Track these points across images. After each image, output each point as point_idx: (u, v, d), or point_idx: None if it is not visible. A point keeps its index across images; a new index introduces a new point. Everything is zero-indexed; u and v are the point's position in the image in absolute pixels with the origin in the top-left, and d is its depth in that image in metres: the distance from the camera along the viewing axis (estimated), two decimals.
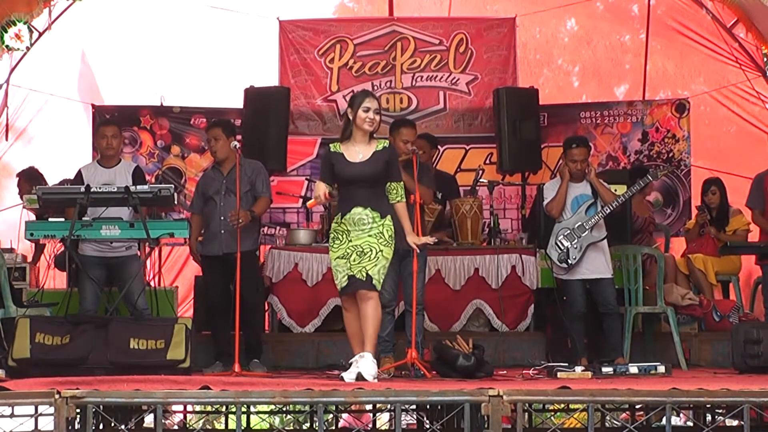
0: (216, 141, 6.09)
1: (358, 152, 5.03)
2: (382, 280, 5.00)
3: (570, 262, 6.09)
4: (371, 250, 4.97)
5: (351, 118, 5.05)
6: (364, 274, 4.94)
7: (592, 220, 6.11)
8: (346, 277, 4.97)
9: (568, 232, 6.13)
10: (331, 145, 5.17)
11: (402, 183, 5.14)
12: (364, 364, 4.88)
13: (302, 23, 8.59)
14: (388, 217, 5.04)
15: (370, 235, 4.99)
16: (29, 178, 7.12)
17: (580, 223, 6.13)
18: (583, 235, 6.11)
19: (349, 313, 5.07)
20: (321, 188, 5.07)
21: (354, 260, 4.96)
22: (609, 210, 6.12)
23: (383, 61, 8.57)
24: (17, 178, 7.25)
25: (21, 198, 7.02)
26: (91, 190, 5.44)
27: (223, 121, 6.55)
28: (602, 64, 9.04)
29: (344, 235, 5.02)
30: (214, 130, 6.14)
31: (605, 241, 6.14)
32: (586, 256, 6.09)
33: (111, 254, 5.92)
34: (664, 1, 8.59)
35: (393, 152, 5.16)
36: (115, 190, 5.52)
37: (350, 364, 4.96)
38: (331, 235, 5.08)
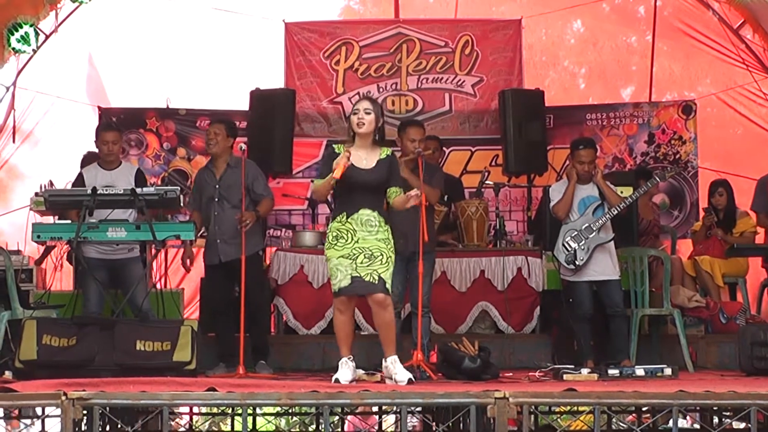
0: (216, 135, 6.05)
1: (362, 158, 5.01)
2: (391, 286, 4.97)
3: (577, 263, 6.07)
4: (381, 255, 4.92)
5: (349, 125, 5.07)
6: (376, 278, 4.88)
7: (600, 221, 6.09)
8: (348, 277, 4.90)
9: (576, 233, 6.11)
10: (335, 146, 5.11)
11: (400, 188, 5.11)
12: (400, 369, 4.88)
13: (308, 25, 8.60)
14: (389, 223, 5.04)
15: (378, 239, 4.94)
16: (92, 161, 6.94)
17: (587, 224, 6.11)
18: (591, 236, 6.09)
19: (343, 316, 4.99)
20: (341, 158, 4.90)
21: (362, 262, 4.90)
22: (616, 212, 6.11)
23: (389, 63, 8.58)
24: (81, 163, 6.86)
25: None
26: (98, 192, 5.45)
27: (228, 120, 6.52)
28: (608, 66, 9.03)
29: (350, 235, 4.94)
30: (216, 126, 6.13)
31: (612, 242, 6.13)
32: (594, 257, 6.08)
33: (114, 256, 5.93)
34: (670, 2, 8.58)
35: (395, 160, 5.15)
36: (122, 192, 5.53)
37: (341, 366, 4.93)
38: (333, 234, 4.97)
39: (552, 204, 6.22)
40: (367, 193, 4.99)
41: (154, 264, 6.40)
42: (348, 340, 5.00)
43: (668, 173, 6.49)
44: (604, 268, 6.09)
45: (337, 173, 4.86)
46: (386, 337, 4.96)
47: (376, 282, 4.88)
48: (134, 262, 5.96)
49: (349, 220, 4.97)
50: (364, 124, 4.98)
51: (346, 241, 4.94)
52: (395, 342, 5.01)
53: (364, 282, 4.89)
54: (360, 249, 4.92)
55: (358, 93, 8.48)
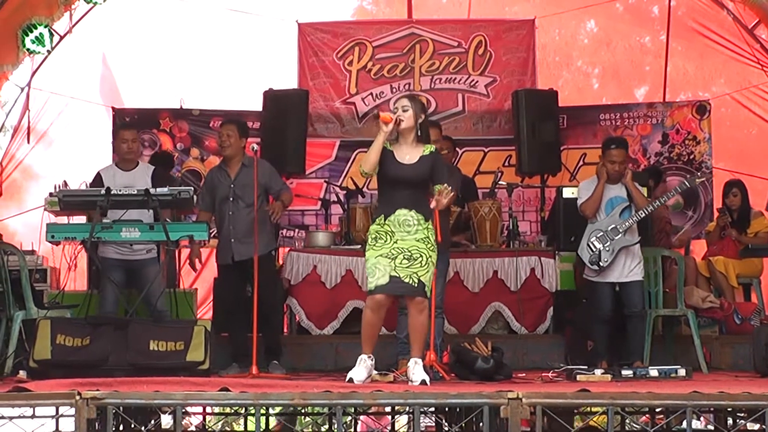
0: (228, 137, 6.07)
1: (405, 154, 5.01)
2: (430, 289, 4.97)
3: (601, 264, 6.00)
4: (421, 256, 4.89)
5: None
6: (416, 281, 4.86)
7: (626, 223, 6.01)
8: (387, 275, 4.86)
9: (601, 233, 6.03)
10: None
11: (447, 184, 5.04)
12: (418, 371, 4.87)
13: (321, 26, 8.62)
14: (430, 221, 4.99)
15: (417, 239, 4.91)
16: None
17: (613, 225, 6.03)
18: (616, 238, 6.01)
19: (374, 315, 4.93)
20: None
21: (401, 263, 4.87)
22: (644, 215, 6.04)
23: (402, 63, 8.58)
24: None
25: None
26: (111, 192, 5.48)
27: (239, 120, 6.52)
28: (622, 66, 9.00)
29: (388, 236, 4.92)
30: (229, 126, 6.14)
31: (638, 245, 6.05)
32: (618, 259, 6.01)
33: (132, 257, 5.95)
34: (684, 2, 8.54)
35: (439, 157, 5.12)
36: (135, 192, 5.55)
37: (359, 363, 4.92)
38: (372, 236, 4.96)
39: (580, 202, 6.13)
40: (407, 191, 4.96)
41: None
42: (372, 341, 4.97)
43: (698, 179, 6.42)
44: (629, 270, 6.01)
45: (387, 118, 4.87)
46: (416, 338, 4.95)
47: (416, 285, 4.87)
48: (152, 263, 5.97)
49: (387, 222, 4.95)
50: (403, 120, 4.99)
51: (385, 241, 4.92)
52: (423, 344, 4.99)
53: (403, 283, 4.87)
54: (399, 249, 4.89)
55: (371, 93, 8.50)
